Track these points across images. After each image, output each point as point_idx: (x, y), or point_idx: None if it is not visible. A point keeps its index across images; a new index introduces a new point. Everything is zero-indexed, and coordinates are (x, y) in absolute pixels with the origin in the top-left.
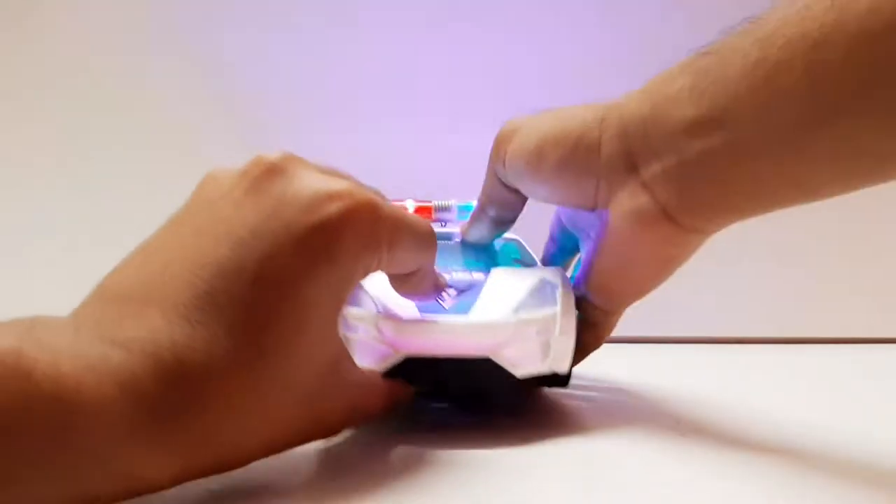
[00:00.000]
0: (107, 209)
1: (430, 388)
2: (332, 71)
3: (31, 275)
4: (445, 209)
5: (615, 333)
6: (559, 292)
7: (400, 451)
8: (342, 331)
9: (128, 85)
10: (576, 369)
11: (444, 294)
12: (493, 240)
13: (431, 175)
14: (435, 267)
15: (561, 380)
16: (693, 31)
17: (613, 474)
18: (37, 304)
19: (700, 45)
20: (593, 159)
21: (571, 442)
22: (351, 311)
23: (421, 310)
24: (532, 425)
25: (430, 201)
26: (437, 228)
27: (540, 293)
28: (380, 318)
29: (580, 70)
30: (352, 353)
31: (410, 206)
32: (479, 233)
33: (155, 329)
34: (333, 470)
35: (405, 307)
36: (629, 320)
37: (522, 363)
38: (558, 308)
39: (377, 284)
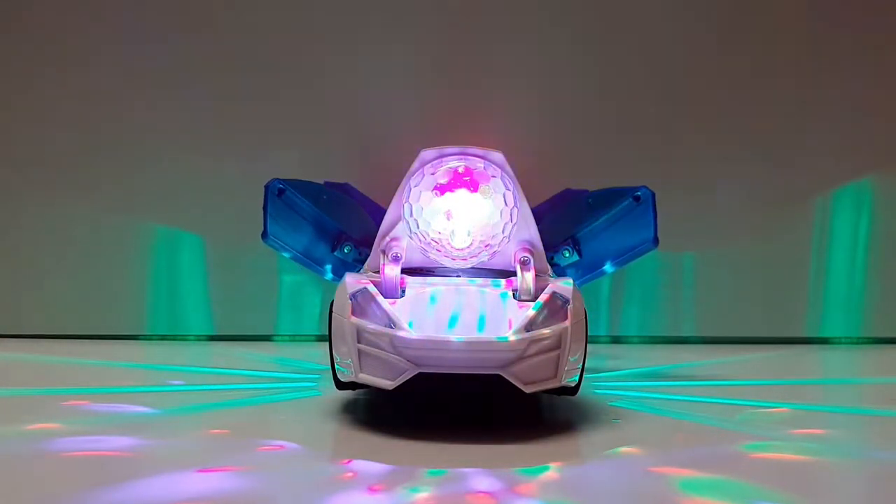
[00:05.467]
0: None
1: (443, 398)
2: None
3: None
4: None
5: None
6: (570, 308)
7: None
8: (356, 344)
9: None
10: None
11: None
12: None
13: None
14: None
15: (570, 390)
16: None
17: None
18: None
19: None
20: None
21: None
22: (366, 327)
23: (433, 327)
24: None
25: None
26: None
27: (551, 308)
28: (394, 335)
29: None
30: (365, 366)
31: None
32: None
33: None
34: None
35: (418, 323)
36: None
37: (533, 379)
38: (569, 324)
39: (391, 300)
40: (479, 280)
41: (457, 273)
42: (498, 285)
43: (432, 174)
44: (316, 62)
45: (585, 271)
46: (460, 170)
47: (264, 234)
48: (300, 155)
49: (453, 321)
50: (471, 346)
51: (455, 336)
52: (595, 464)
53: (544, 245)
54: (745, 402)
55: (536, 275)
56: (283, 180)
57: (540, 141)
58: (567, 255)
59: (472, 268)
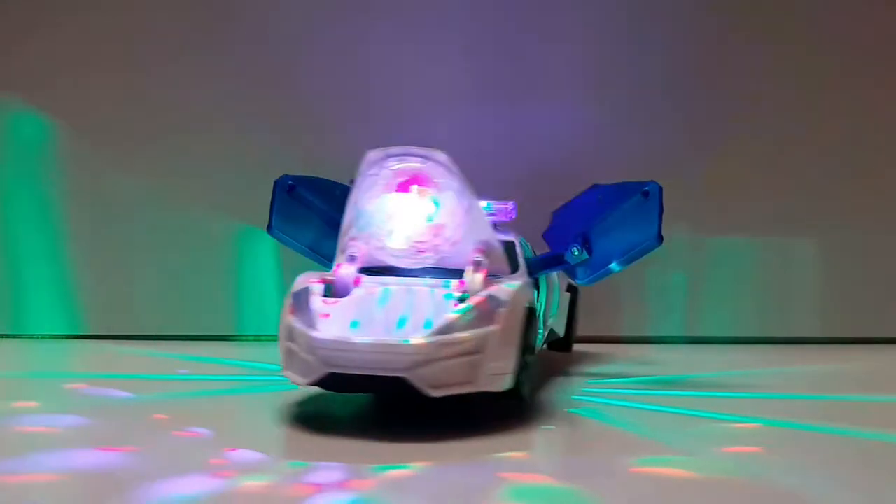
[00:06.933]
0: None
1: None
2: None
3: None
4: None
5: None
6: (503, 311)
7: None
8: (286, 342)
9: None
10: None
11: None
12: None
13: None
14: None
15: (511, 395)
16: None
17: None
18: None
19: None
20: None
21: None
22: (294, 325)
23: (348, 327)
24: None
25: None
26: None
27: (481, 311)
28: (309, 334)
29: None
30: (290, 364)
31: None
32: None
33: None
34: None
35: (336, 323)
36: None
37: (441, 384)
38: (496, 328)
39: (320, 298)
40: (432, 280)
41: (415, 273)
42: (448, 286)
43: (375, 175)
44: (323, 60)
45: (593, 270)
46: (405, 171)
47: (269, 228)
48: (304, 153)
49: (355, 324)
50: (374, 347)
51: (360, 338)
52: (452, 466)
53: (558, 243)
54: (717, 416)
55: (490, 276)
56: (294, 176)
57: (562, 138)
58: (576, 253)
59: (439, 268)
